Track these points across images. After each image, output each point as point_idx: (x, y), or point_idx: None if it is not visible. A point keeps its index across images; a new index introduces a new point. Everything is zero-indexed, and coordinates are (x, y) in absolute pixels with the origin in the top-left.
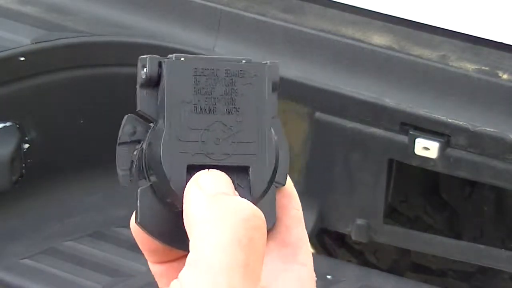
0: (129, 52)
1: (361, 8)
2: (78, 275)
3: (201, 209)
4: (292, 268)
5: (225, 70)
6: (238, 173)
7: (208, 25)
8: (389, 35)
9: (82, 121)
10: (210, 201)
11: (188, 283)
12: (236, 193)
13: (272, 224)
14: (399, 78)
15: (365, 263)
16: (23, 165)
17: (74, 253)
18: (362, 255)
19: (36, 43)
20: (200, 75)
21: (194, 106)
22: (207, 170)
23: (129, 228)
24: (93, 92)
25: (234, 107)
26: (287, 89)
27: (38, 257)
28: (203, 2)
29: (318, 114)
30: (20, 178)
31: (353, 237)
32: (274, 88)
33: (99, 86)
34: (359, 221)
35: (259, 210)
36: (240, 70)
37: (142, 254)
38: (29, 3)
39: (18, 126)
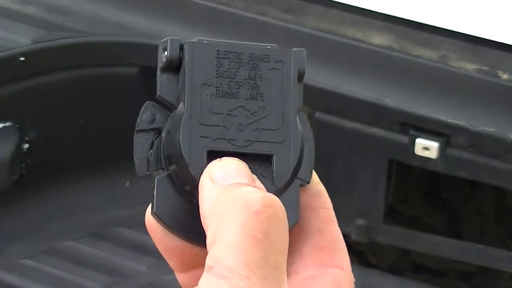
0: (129, 52)
1: (361, 8)
2: (78, 275)
3: (212, 203)
4: (329, 272)
5: (249, 54)
6: (260, 161)
7: (208, 25)
8: (389, 35)
9: (82, 121)
10: (221, 194)
11: None
12: (257, 181)
13: (294, 222)
14: (399, 78)
15: (365, 263)
16: (23, 165)
17: (74, 253)
18: (362, 255)
19: (36, 43)
20: (223, 58)
21: (216, 90)
22: (218, 159)
23: (129, 228)
24: (93, 92)
25: (258, 93)
26: None
27: (38, 257)
28: (203, 2)
29: (318, 114)
30: (20, 178)
31: (353, 237)
32: (300, 78)
33: (99, 86)
34: (359, 221)
35: (273, 197)
36: (265, 54)
37: (142, 254)
38: (29, 3)
39: (18, 126)
